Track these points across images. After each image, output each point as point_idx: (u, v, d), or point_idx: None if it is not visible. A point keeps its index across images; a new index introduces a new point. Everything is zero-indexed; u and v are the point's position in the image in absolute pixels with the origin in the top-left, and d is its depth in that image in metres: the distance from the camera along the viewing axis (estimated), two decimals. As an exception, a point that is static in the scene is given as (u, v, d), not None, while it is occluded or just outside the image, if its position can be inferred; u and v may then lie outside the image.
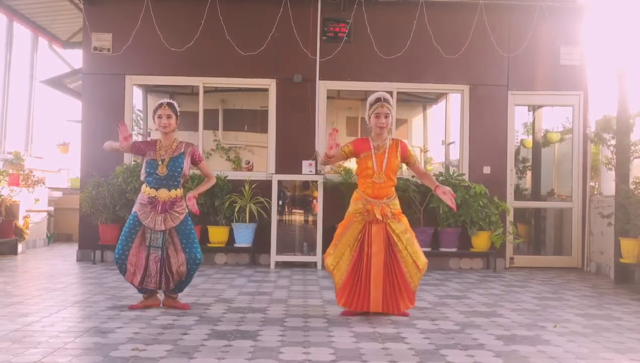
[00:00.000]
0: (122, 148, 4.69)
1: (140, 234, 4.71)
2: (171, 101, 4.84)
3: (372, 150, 4.70)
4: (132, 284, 4.79)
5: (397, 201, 4.76)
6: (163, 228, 4.67)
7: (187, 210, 4.82)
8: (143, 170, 4.77)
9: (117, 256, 4.75)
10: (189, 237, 4.77)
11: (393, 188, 4.75)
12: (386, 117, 4.68)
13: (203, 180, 4.70)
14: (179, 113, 4.85)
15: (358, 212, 4.67)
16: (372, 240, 4.60)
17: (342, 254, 4.64)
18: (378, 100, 4.70)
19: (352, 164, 11.03)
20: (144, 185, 4.77)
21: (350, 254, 4.63)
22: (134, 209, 4.78)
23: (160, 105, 4.77)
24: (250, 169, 9.80)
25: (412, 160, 4.81)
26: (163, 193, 4.70)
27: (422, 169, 4.98)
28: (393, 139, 4.79)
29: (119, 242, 4.76)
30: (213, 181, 5.05)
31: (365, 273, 4.59)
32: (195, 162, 4.89)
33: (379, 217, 4.60)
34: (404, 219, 4.74)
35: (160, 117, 4.74)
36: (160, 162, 4.70)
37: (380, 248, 4.60)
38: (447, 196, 4.64)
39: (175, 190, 4.75)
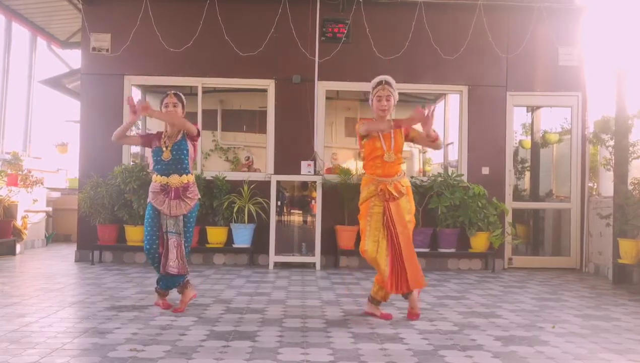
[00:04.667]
0: (130, 123, 4.73)
1: (157, 223, 4.75)
2: (178, 93, 4.93)
3: (379, 132, 4.63)
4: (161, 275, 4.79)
5: (406, 179, 4.73)
6: (177, 213, 4.72)
7: (198, 196, 4.89)
8: (151, 160, 4.89)
9: (147, 247, 4.75)
10: (189, 230, 4.83)
11: (401, 166, 4.70)
12: (387, 100, 4.65)
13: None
14: (185, 103, 4.94)
15: (372, 195, 4.60)
16: (394, 219, 4.53)
17: (377, 239, 4.53)
18: (380, 83, 4.69)
19: (350, 164, 11.06)
20: (154, 175, 4.86)
21: (385, 238, 4.54)
22: (148, 200, 4.85)
23: (167, 95, 4.88)
24: (250, 165, 9.78)
25: (414, 133, 4.72)
26: (174, 179, 4.76)
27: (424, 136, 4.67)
28: (395, 120, 4.73)
29: (145, 235, 4.78)
30: (186, 124, 4.79)
31: (398, 254, 4.49)
32: (192, 136, 4.85)
33: (395, 194, 4.55)
34: (412, 201, 4.72)
35: (166, 106, 4.85)
36: (164, 148, 4.78)
37: (404, 225, 4.55)
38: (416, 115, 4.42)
39: (187, 175, 4.81)
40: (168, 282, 4.82)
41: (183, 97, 4.95)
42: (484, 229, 7.74)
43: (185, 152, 4.80)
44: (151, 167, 4.90)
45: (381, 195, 4.56)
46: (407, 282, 4.46)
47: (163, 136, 4.87)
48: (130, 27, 8.04)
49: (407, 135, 4.72)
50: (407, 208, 4.63)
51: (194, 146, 4.94)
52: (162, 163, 4.79)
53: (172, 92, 4.91)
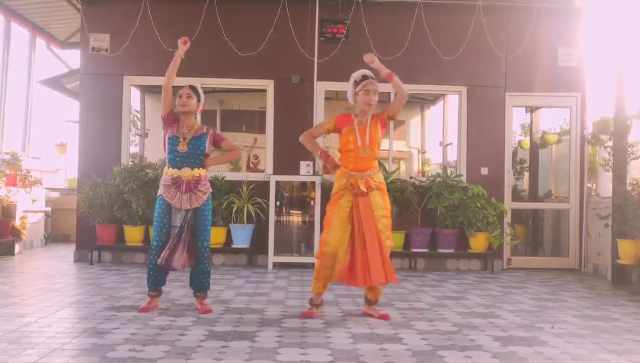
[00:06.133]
0: (180, 56, 4.83)
1: (167, 217, 4.69)
2: (194, 85, 4.92)
3: (355, 125, 4.64)
4: (152, 275, 4.70)
5: (380, 174, 4.70)
6: (189, 207, 4.67)
7: (210, 191, 4.84)
8: (165, 147, 4.82)
9: (155, 244, 4.65)
10: (204, 224, 4.75)
11: (375, 162, 4.70)
12: (374, 93, 4.64)
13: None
14: (202, 98, 4.91)
15: (342, 188, 4.61)
16: (361, 215, 4.52)
17: (341, 233, 4.52)
18: (365, 77, 4.67)
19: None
20: (166, 167, 4.80)
21: (348, 231, 4.53)
22: (159, 193, 4.77)
23: (183, 87, 4.87)
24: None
25: (386, 113, 4.73)
26: (186, 173, 4.72)
27: (393, 102, 4.87)
28: (373, 114, 4.72)
29: (155, 230, 4.71)
30: (235, 154, 5.10)
31: (361, 248, 4.48)
32: (217, 143, 4.91)
33: (363, 189, 4.54)
34: (387, 198, 4.69)
35: (180, 96, 4.81)
36: (181, 139, 4.73)
37: (372, 221, 4.53)
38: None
39: (199, 169, 4.77)
40: (160, 280, 4.76)
41: (200, 91, 4.92)
42: (483, 230, 7.74)
43: (202, 148, 4.76)
44: (166, 155, 4.83)
45: (351, 190, 4.56)
46: (369, 276, 4.42)
47: (181, 126, 4.80)
48: (129, 27, 8.04)
49: (384, 121, 4.70)
50: (380, 204, 4.58)
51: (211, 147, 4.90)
52: (176, 153, 4.72)
53: (189, 85, 4.90)
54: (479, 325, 4.43)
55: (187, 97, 4.80)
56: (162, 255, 4.62)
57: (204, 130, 4.83)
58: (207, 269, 4.81)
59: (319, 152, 4.82)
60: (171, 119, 4.83)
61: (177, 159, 4.73)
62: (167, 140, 4.79)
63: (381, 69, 4.62)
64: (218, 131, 5.09)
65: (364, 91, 4.63)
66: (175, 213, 4.70)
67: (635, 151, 7.10)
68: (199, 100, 4.88)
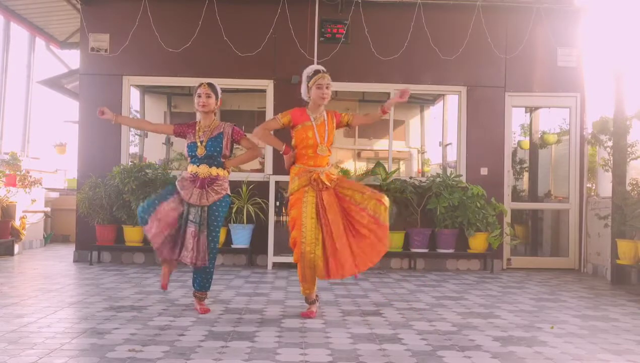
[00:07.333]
0: (111, 121, 4.92)
1: (175, 200, 4.62)
2: (211, 83, 4.85)
3: (313, 121, 4.66)
4: (152, 241, 4.58)
5: (334, 169, 4.79)
6: (198, 203, 4.61)
7: (227, 193, 4.78)
8: (186, 154, 4.81)
9: (142, 208, 4.59)
10: (214, 224, 4.70)
11: (330, 159, 4.76)
12: (327, 88, 4.68)
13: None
14: (220, 95, 4.85)
15: (304, 185, 4.58)
16: (326, 209, 4.53)
17: (315, 230, 4.51)
18: (317, 71, 4.70)
19: (349, 165, 11.05)
20: (189, 165, 4.79)
21: (319, 229, 4.53)
22: (176, 182, 4.76)
23: (200, 84, 4.79)
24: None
25: (347, 118, 4.82)
26: (203, 169, 4.68)
27: (362, 116, 5.16)
28: (327, 111, 4.78)
29: (149, 199, 4.72)
30: (255, 152, 4.96)
31: (332, 242, 4.50)
32: (236, 140, 4.84)
33: (327, 183, 4.56)
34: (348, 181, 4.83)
35: (199, 96, 4.74)
36: (199, 144, 4.70)
37: (337, 213, 4.54)
38: (399, 96, 4.73)
39: (217, 168, 4.72)
40: (200, 280, 4.76)
41: (218, 88, 4.84)
42: (483, 230, 7.75)
43: (219, 150, 4.71)
44: (188, 159, 4.83)
45: (314, 185, 4.56)
46: (342, 268, 4.49)
47: (197, 128, 4.76)
48: (128, 27, 8.04)
49: (340, 123, 4.78)
50: (349, 185, 4.69)
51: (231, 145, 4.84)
52: (195, 158, 4.72)
53: (207, 82, 4.82)
54: (479, 325, 4.43)
55: (207, 97, 4.74)
56: (173, 248, 4.58)
57: (222, 129, 4.77)
58: (211, 270, 4.79)
59: (282, 146, 4.71)
60: (183, 129, 4.81)
61: (197, 160, 4.72)
62: (187, 148, 4.77)
63: (393, 103, 4.85)
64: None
65: (317, 85, 4.66)
66: (189, 206, 4.62)
67: (635, 151, 7.11)
68: (217, 98, 4.81)
